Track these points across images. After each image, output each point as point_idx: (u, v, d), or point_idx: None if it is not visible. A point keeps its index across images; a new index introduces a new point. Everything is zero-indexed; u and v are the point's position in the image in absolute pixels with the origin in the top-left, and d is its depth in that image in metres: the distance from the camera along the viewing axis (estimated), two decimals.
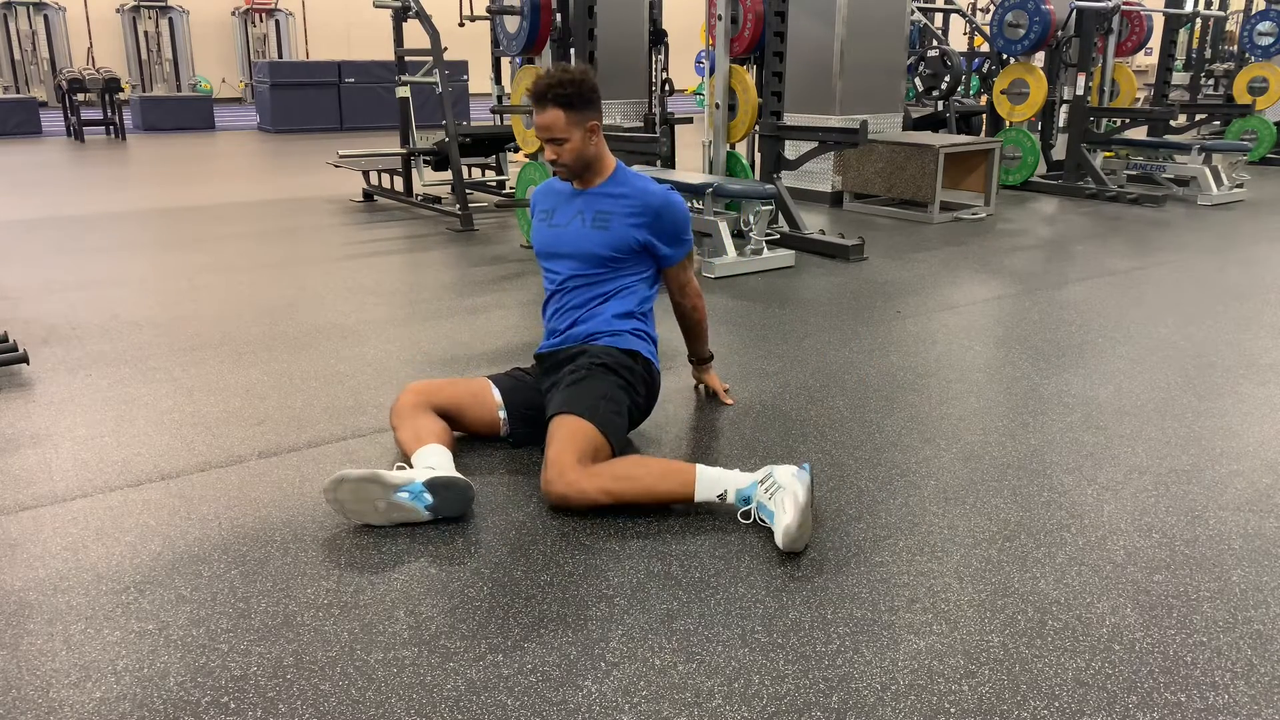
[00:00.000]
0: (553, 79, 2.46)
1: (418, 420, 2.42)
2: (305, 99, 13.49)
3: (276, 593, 1.89)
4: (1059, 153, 8.16)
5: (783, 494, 2.07)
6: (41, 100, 15.36)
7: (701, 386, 3.02)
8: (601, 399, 2.36)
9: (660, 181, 2.67)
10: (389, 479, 2.12)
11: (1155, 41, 9.00)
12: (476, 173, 7.58)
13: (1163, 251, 5.43)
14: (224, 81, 19.98)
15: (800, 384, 3.13)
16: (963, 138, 7.57)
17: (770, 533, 2.10)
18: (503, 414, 2.56)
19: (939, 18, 10.81)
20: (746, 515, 2.17)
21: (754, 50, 6.08)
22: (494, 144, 7.10)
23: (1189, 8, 9.88)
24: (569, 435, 2.25)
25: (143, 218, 6.44)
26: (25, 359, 3.20)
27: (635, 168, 5.27)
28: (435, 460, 2.25)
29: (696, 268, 4.57)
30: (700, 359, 2.96)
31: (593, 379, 2.41)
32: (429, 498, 2.13)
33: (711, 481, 2.19)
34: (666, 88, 6.48)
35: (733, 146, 5.93)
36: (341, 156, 6.90)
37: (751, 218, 4.86)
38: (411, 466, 2.25)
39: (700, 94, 16.93)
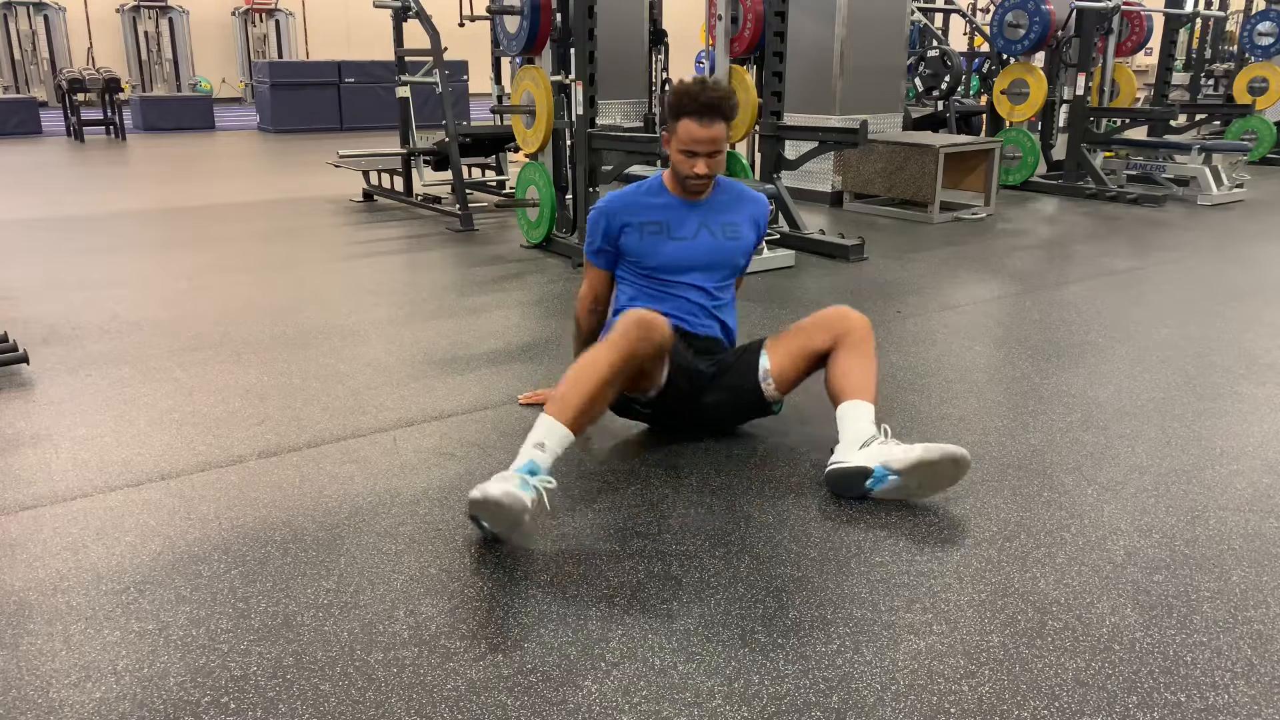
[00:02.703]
0: (715, 92, 2.41)
1: (605, 388, 2.17)
2: (305, 99, 13.49)
3: (276, 593, 1.89)
4: (1059, 153, 8.15)
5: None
6: (41, 100, 15.37)
7: None
8: None
9: None
10: (513, 504, 1.96)
11: (1155, 41, 8.99)
12: (476, 173, 7.58)
13: (1163, 251, 5.43)
14: (224, 81, 19.98)
15: (800, 384, 3.12)
16: (963, 138, 7.57)
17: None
18: (653, 393, 2.49)
19: (939, 18, 10.80)
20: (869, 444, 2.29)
21: (754, 50, 6.07)
22: (494, 144, 7.10)
23: (1189, 8, 9.87)
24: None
25: (143, 218, 6.44)
26: (25, 359, 3.20)
27: (635, 168, 5.30)
28: (546, 458, 2.09)
29: None
30: None
31: None
32: (484, 524, 2.06)
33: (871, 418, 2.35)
34: (666, 88, 6.48)
35: (733, 146, 5.93)
36: (341, 156, 6.90)
37: None
38: (545, 408, 2.15)
39: None
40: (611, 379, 2.18)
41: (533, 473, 2.05)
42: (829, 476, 2.33)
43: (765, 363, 2.56)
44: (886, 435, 2.32)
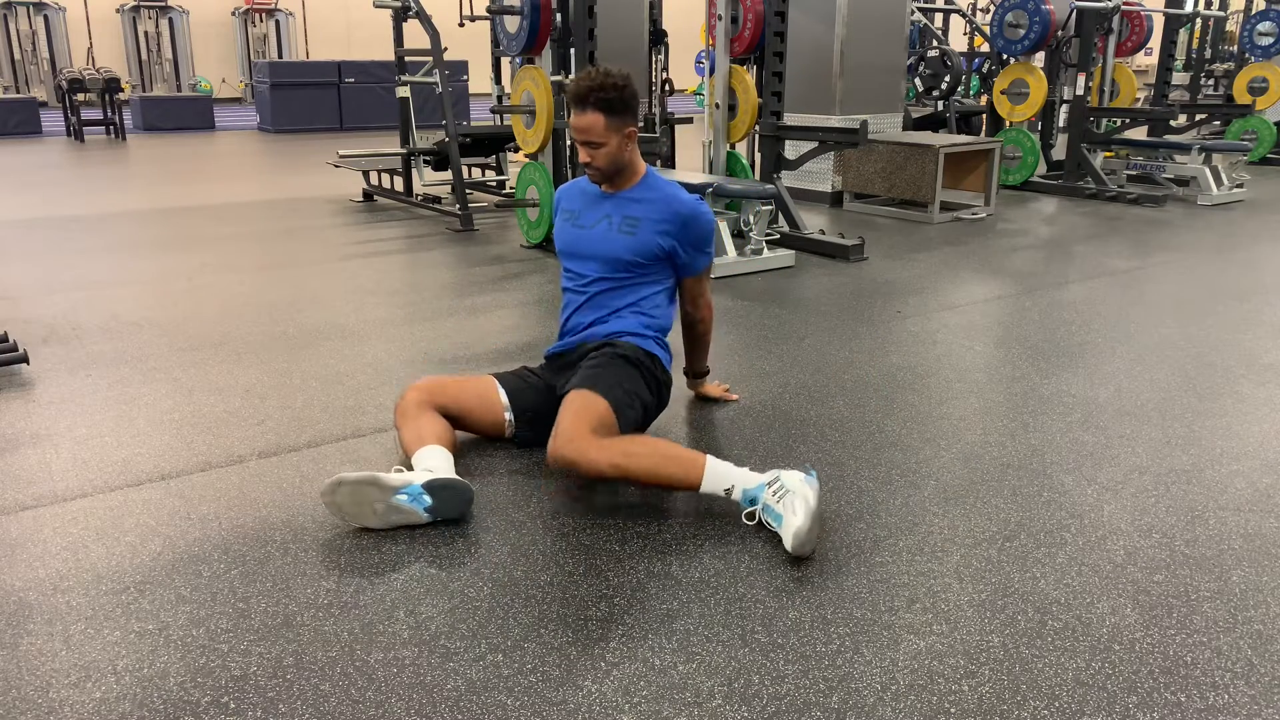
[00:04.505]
0: (595, 81, 2.42)
1: (420, 420, 2.39)
2: (305, 99, 13.49)
3: (276, 593, 1.89)
4: (1059, 153, 8.16)
5: (792, 497, 2.06)
6: (41, 100, 15.36)
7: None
8: (619, 384, 2.39)
9: None
10: (387, 481, 2.11)
11: (1155, 41, 9.00)
12: (476, 173, 7.58)
13: (1163, 251, 5.43)
14: (224, 81, 19.97)
15: (800, 384, 3.13)
16: (963, 138, 7.57)
17: (774, 536, 2.10)
18: (509, 415, 2.54)
19: (939, 18, 10.80)
20: (751, 516, 2.15)
21: (754, 50, 6.08)
22: (494, 144, 7.10)
23: (1189, 8, 9.87)
24: (584, 407, 2.27)
25: (143, 218, 6.44)
26: (25, 359, 3.20)
27: None
28: (435, 462, 2.24)
29: None
30: (697, 373, 2.97)
31: (614, 366, 2.44)
32: (427, 499, 2.12)
33: (719, 475, 2.18)
34: (666, 88, 6.48)
35: (733, 146, 5.93)
36: (341, 156, 6.90)
37: (751, 218, 4.86)
38: (411, 468, 2.25)
39: (700, 94, 16.92)
40: (414, 420, 2.40)
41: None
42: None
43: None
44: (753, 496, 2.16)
